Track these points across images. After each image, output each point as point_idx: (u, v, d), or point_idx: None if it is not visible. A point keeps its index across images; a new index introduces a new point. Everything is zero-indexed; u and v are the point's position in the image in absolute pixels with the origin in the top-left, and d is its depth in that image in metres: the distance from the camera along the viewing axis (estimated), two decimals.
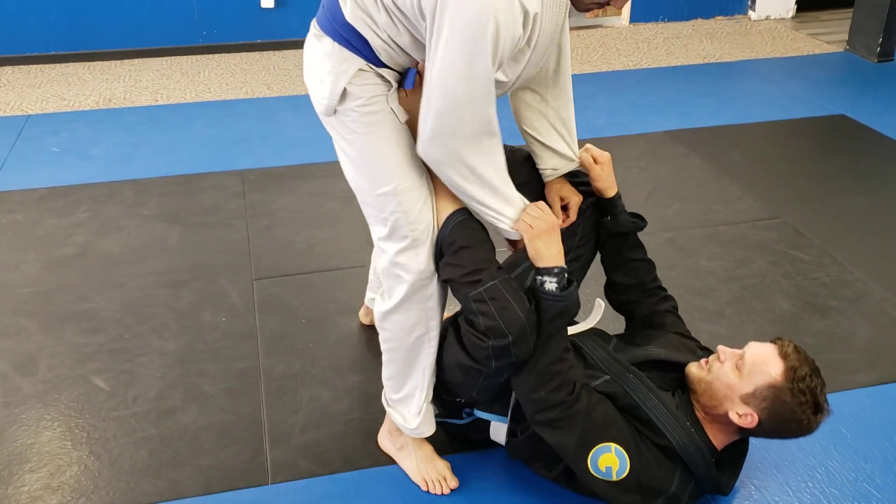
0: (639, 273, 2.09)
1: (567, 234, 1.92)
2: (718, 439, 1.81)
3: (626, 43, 5.49)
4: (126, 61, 5.01)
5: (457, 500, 1.94)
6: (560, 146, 1.95)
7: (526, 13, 1.52)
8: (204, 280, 2.80)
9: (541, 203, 1.80)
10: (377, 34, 1.65)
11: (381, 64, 1.70)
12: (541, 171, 1.99)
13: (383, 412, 2.05)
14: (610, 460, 1.69)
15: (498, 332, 1.66)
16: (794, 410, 1.71)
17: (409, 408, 1.93)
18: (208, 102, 4.38)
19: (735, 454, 1.86)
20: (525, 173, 1.99)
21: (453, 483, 1.95)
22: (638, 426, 1.76)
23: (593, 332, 1.98)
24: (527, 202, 1.79)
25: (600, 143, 3.59)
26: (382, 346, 1.93)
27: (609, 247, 2.09)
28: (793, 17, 6.07)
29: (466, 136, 1.63)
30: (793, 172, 3.60)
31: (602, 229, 2.07)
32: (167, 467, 2.05)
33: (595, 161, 1.97)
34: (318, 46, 1.72)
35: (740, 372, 1.75)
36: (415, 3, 1.55)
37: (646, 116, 4.19)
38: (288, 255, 2.93)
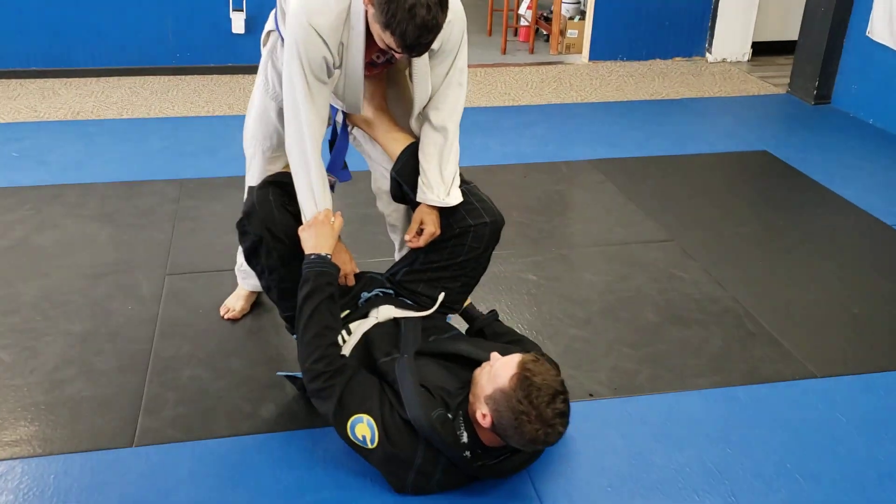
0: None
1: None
2: (483, 436, 1.95)
3: (580, 79, 5.75)
4: (102, 79, 5.32)
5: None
6: (433, 178, 2.23)
7: (324, 40, 1.98)
8: (121, 273, 3.05)
9: (327, 210, 2.16)
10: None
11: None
12: (418, 193, 2.27)
13: (255, 392, 2.40)
14: (364, 430, 1.93)
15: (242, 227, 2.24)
16: (516, 418, 1.82)
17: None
18: (168, 118, 4.67)
19: (502, 454, 2.00)
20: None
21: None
22: (393, 401, 1.97)
23: (432, 319, 2.24)
24: (323, 209, 2.16)
25: (526, 168, 3.92)
26: None
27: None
28: (749, 61, 6.32)
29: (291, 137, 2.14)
30: (698, 201, 3.81)
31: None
32: (46, 429, 2.27)
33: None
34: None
35: (489, 376, 1.92)
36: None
37: (575, 146, 4.42)
38: (204, 255, 3.17)
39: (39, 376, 2.48)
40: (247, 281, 2.75)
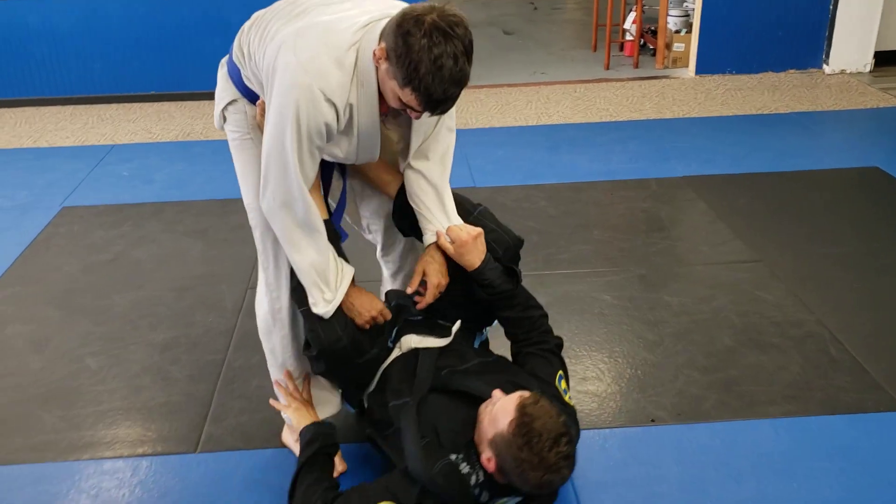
0: (512, 326, 2.21)
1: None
2: (498, 476, 1.85)
3: (684, 93, 5.60)
4: (210, 102, 5.58)
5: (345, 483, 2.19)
6: (433, 217, 2.10)
7: (333, 104, 1.77)
8: (207, 286, 3.20)
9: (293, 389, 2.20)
10: (248, 78, 1.98)
11: (252, 96, 2.01)
12: (424, 238, 2.14)
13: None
14: None
15: (308, 343, 2.08)
16: (518, 465, 1.75)
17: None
18: None
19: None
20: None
21: (340, 467, 2.20)
22: (400, 448, 1.93)
23: (454, 344, 2.17)
24: (335, 302, 2.00)
25: (614, 185, 3.82)
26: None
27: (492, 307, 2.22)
28: (870, 72, 5.98)
29: (283, 202, 1.89)
30: (793, 220, 3.63)
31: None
32: (120, 432, 2.41)
33: (454, 242, 2.08)
34: (220, 72, 2.10)
35: (490, 418, 1.84)
36: (264, 73, 1.86)
37: (668, 162, 4.31)
38: None
39: (120, 382, 2.64)
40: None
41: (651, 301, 3.02)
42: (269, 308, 2.21)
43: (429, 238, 2.12)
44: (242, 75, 2.00)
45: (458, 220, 2.13)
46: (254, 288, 3.12)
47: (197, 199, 3.99)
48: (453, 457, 1.88)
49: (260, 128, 1.98)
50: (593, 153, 4.46)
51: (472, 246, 2.08)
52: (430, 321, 2.24)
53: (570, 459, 1.79)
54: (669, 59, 6.22)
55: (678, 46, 6.16)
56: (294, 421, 2.17)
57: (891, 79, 5.83)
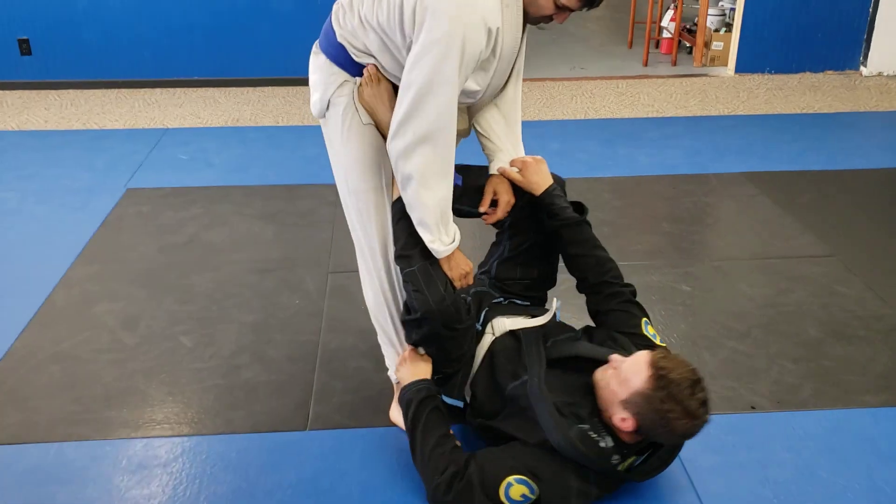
0: (580, 267, 2.24)
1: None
2: (627, 436, 1.93)
3: (726, 91, 5.64)
4: (258, 88, 5.62)
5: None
6: (504, 146, 2.20)
7: (489, 30, 1.82)
8: (287, 269, 3.21)
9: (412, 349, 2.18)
10: (362, 52, 2.00)
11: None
12: (490, 166, 2.24)
13: None
14: (518, 490, 1.89)
15: (412, 307, 2.03)
16: (662, 416, 1.81)
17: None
18: (320, 126, 4.86)
19: (646, 448, 1.99)
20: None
21: None
22: (530, 426, 1.96)
23: (549, 325, 2.21)
24: (453, 245, 2.02)
25: (674, 179, 3.84)
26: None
27: (559, 243, 2.26)
28: None
29: (425, 136, 1.88)
30: (858, 216, 3.67)
31: (545, 227, 2.25)
32: (226, 409, 2.43)
33: (520, 169, 2.19)
34: (315, 61, 2.11)
35: (619, 380, 1.89)
36: (394, 19, 1.87)
37: (725, 158, 4.35)
38: None
39: (218, 360, 2.66)
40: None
41: (732, 292, 3.05)
42: (373, 294, 2.25)
43: (496, 165, 2.21)
44: (350, 53, 2.02)
45: (523, 153, 2.23)
46: (334, 272, 3.18)
47: (261, 185, 4.01)
48: (583, 426, 1.93)
49: (363, 102, 2.04)
50: (648, 148, 4.49)
51: (537, 168, 2.19)
52: (514, 304, 2.32)
53: (707, 404, 1.85)
54: (707, 58, 6.26)
55: (717, 45, 6.21)
56: (409, 376, 2.15)
57: None
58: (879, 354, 2.67)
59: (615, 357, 1.96)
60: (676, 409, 1.80)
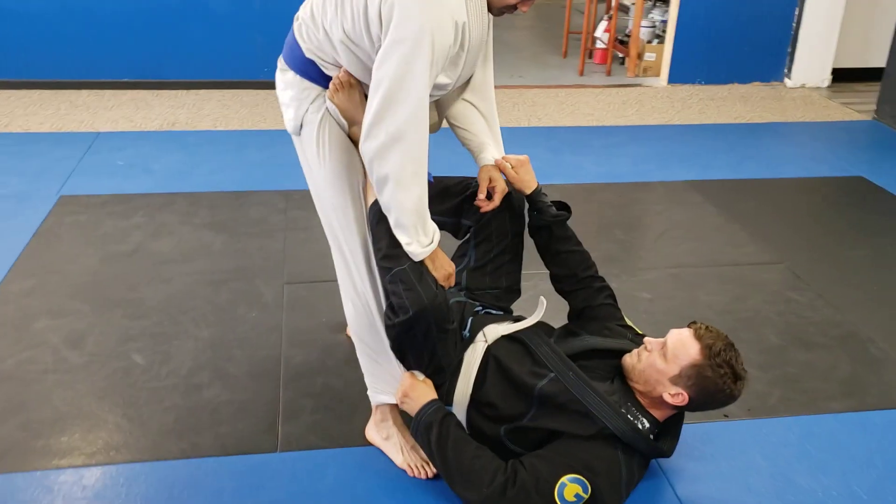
0: (568, 264, 2.34)
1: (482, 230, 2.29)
2: (659, 414, 2.04)
3: (661, 101, 5.74)
4: (192, 91, 5.43)
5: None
6: (488, 140, 2.25)
7: (456, 24, 1.81)
8: (241, 281, 3.09)
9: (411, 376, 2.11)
10: (332, 64, 1.99)
11: None
12: (477, 160, 2.27)
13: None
14: (572, 490, 1.89)
15: (402, 308, 1.93)
16: (716, 383, 1.93)
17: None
18: (262, 131, 4.74)
19: (673, 420, 2.08)
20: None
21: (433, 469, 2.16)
22: (577, 419, 1.95)
23: (538, 326, 2.20)
24: (431, 246, 1.97)
25: (623, 187, 3.86)
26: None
27: (539, 240, 2.36)
28: (828, 87, 6.26)
29: (398, 134, 1.83)
30: (802, 224, 3.78)
31: (530, 224, 2.34)
32: (189, 431, 2.30)
33: (512, 165, 2.24)
34: (283, 77, 2.08)
35: (665, 358, 1.98)
36: (360, 24, 1.84)
37: (669, 167, 4.41)
38: (319, 265, 3.20)
39: (175, 379, 2.52)
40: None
41: (692, 300, 3.08)
42: (354, 307, 2.17)
43: (486, 156, 2.24)
44: (321, 66, 2.01)
45: (503, 148, 2.28)
46: (290, 283, 3.08)
47: (206, 191, 3.85)
48: (622, 411, 1.98)
49: (336, 106, 2.04)
50: (594, 156, 4.52)
51: (528, 168, 2.27)
52: (490, 314, 2.29)
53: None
54: (640, 68, 6.36)
55: (649, 56, 6.32)
56: (415, 405, 2.08)
57: (848, 94, 6.13)
58: (840, 361, 2.73)
59: (649, 339, 2.05)
60: (730, 374, 1.93)
